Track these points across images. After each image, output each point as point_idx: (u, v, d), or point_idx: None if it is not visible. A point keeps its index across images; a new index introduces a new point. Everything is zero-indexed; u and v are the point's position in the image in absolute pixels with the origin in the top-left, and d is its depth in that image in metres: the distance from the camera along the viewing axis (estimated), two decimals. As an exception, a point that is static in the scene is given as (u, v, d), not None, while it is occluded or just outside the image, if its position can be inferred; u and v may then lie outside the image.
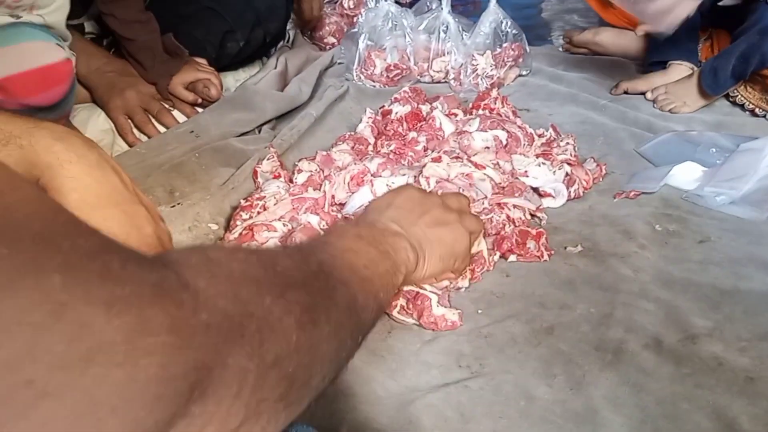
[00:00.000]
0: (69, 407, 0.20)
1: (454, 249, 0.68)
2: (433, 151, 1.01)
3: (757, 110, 1.26)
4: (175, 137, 1.12)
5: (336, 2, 1.82)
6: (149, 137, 1.13)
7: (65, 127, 0.57)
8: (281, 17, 1.44)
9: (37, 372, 0.20)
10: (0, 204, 0.22)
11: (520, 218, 0.90)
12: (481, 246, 0.83)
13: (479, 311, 0.77)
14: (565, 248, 0.88)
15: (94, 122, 1.15)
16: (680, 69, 1.39)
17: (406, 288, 0.75)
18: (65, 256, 0.22)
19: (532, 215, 0.94)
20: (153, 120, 1.16)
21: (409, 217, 0.64)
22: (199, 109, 1.23)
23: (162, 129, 1.15)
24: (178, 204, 0.91)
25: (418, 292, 0.74)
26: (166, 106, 1.18)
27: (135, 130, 1.14)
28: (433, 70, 1.48)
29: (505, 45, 1.47)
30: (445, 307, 0.74)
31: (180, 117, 1.19)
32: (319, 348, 0.36)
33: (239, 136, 1.16)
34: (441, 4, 1.48)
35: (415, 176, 0.93)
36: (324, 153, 1.03)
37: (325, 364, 0.38)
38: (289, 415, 0.34)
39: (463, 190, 0.89)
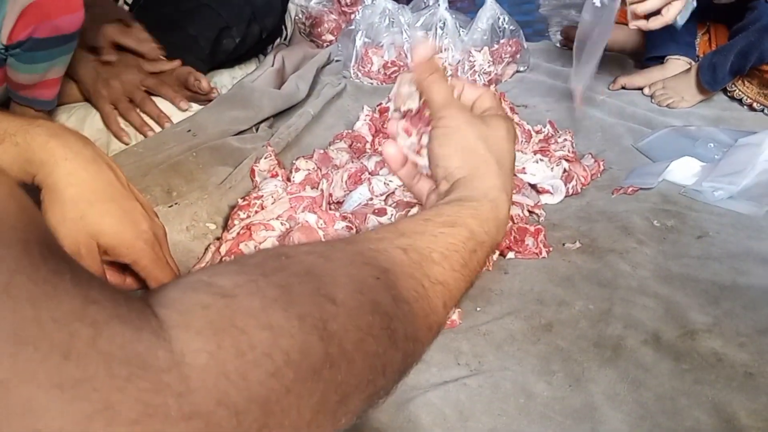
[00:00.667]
0: None
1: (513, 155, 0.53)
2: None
3: (755, 105, 1.26)
4: (173, 136, 1.12)
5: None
6: (133, 125, 1.14)
7: (60, 124, 0.57)
8: (277, 12, 1.43)
9: None
10: None
11: (519, 215, 0.90)
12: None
13: (478, 309, 0.77)
14: (564, 245, 0.88)
15: (90, 122, 1.15)
16: (678, 64, 1.39)
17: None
18: (20, 323, 0.19)
19: (530, 212, 0.94)
20: (137, 110, 1.16)
21: (493, 177, 0.48)
22: (194, 105, 1.22)
23: (146, 117, 1.15)
24: (176, 204, 0.91)
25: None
26: (149, 95, 1.18)
27: (120, 120, 1.14)
28: (431, 67, 1.48)
29: (502, 41, 1.47)
30: (444, 304, 0.74)
31: (162, 104, 1.19)
32: (339, 422, 0.29)
33: (237, 134, 1.15)
34: (438, 0, 1.48)
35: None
36: (321, 151, 1.03)
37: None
38: None
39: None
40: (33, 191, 0.57)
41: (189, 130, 1.13)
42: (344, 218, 0.86)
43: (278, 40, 1.59)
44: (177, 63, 1.22)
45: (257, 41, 1.40)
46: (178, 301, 0.26)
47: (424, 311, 0.36)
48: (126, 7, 1.28)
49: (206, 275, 0.28)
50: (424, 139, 0.53)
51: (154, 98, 1.18)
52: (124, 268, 0.64)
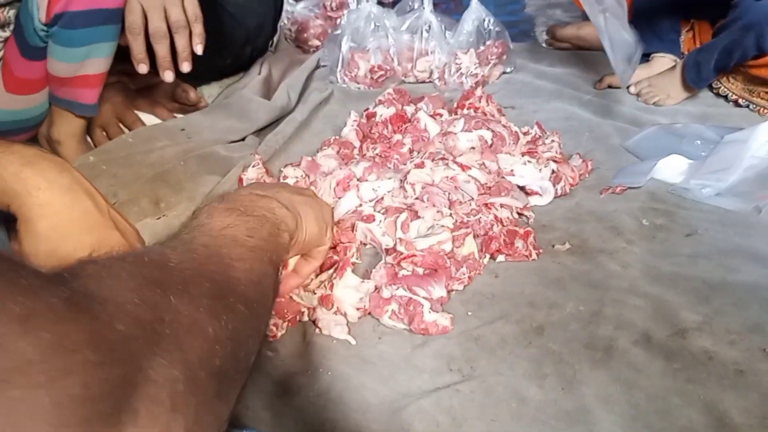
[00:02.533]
0: None
1: (323, 214, 0.67)
2: (418, 153, 1.01)
3: (740, 101, 1.27)
4: (165, 132, 1.12)
5: (319, 4, 1.81)
6: None
7: (37, 150, 0.55)
8: (268, 33, 1.44)
9: None
10: None
11: (508, 218, 0.89)
12: (472, 248, 0.83)
13: (469, 313, 0.77)
14: (553, 246, 0.88)
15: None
16: (663, 61, 1.40)
17: (398, 294, 0.74)
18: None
19: (520, 214, 0.94)
20: (126, 130, 1.16)
21: (268, 188, 0.62)
22: (178, 114, 1.22)
23: None
24: (164, 216, 0.90)
25: (410, 298, 0.74)
26: (140, 116, 1.17)
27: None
28: (417, 70, 1.48)
29: (488, 43, 1.47)
30: (437, 312, 0.74)
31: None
32: (238, 332, 0.35)
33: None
34: (423, 3, 1.48)
35: (401, 180, 0.92)
36: (309, 158, 1.02)
37: (249, 344, 0.37)
38: (228, 406, 0.33)
39: (448, 193, 0.89)
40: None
41: (183, 129, 1.13)
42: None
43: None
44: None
45: (248, 59, 1.41)
46: (69, 267, 0.30)
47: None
48: None
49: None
50: None
51: (145, 117, 1.18)
52: None
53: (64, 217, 0.53)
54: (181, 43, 0.98)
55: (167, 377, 0.27)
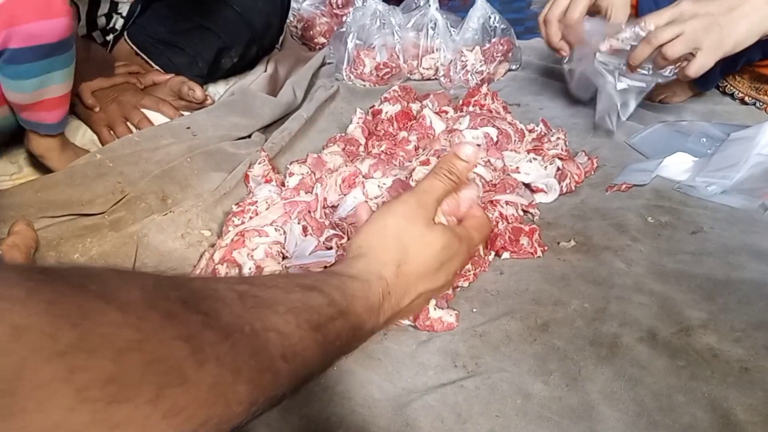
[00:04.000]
0: None
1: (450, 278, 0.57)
2: (424, 150, 1.01)
3: (746, 99, 1.26)
4: (171, 130, 1.12)
5: (325, 2, 1.81)
6: None
7: None
8: (275, 32, 1.44)
9: None
10: None
11: (513, 215, 0.90)
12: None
13: (474, 310, 0.77)
14: (558, 243, 0.88)
15: (83, 133, 1.15)
16: (669, 59, 1.39)
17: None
18: None
19: (525, 211, 0.94)
20: (134, 129, 1.16)
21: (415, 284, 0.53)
22: (185, 112, 1.23)
23: None
24: (171, 212, 0.91)
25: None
26: (147, 115, 1.17)
27: None
28: (423, 68, 1.48)
29: (493, 40, 1.47)
30: (442, 308, 0.74)
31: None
32: (113, 422, 0.27)
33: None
34: (428, 1, 1.48)
35: (406, 177, 0.93)
36: (315, 155, 1.03)
37: None
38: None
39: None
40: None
41: (188, 128, 1.14)
42: (335, 226, 0.86)
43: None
44: (170, 75, 1.23)
45: (254, 58, 1.42)
46: None
47: (251, 350, 0.35)
48: (121, 20, 1.28)
49: None
50: None
51: (152, 116, 1.18)
52: None
53: None
54: None
55: None
